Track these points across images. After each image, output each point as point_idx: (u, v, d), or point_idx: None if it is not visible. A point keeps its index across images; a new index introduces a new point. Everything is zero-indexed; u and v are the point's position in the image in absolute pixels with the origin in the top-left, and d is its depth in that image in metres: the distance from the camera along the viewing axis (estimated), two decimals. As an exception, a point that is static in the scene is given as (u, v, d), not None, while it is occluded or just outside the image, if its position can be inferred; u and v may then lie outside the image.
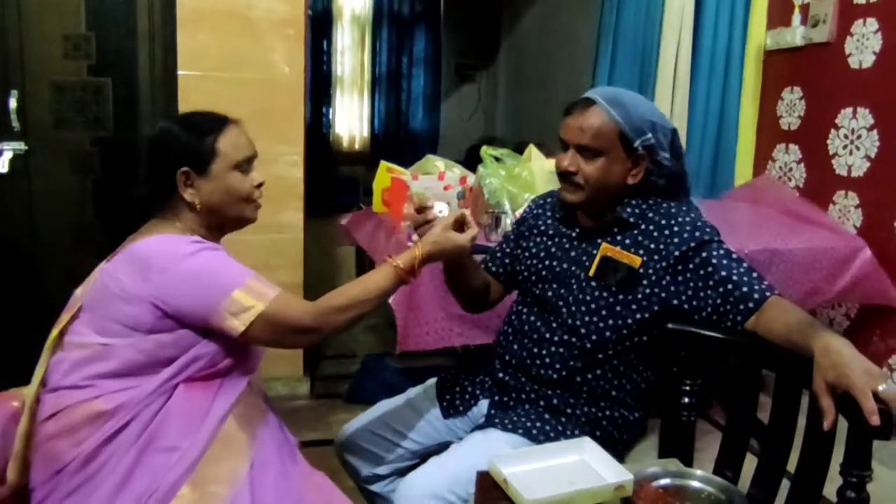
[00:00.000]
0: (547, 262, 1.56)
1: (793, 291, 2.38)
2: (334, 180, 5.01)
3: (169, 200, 1.34)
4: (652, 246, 1.46)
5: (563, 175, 1.48)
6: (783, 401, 1.32)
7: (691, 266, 1.42)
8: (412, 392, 1.68)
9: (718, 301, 1.38)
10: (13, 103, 2.38)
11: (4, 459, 1.29)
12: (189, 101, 2.55)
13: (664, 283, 1.44)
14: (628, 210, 1.49)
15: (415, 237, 1.44)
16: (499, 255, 1.69)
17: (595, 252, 1.48)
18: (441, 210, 1.48)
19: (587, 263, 1.49)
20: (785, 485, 1.30)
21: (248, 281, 1.26)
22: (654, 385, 1.54)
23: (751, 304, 1.34)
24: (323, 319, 1.29)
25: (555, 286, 1.52)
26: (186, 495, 1.20)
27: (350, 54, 6.10)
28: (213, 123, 1.36)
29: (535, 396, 1.51)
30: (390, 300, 2.05)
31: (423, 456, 1.56)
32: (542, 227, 1.62)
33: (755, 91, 3.19)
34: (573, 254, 1.53)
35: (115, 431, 1.23)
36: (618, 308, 1.45)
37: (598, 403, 1.50)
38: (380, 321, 3.39)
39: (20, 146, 2.41)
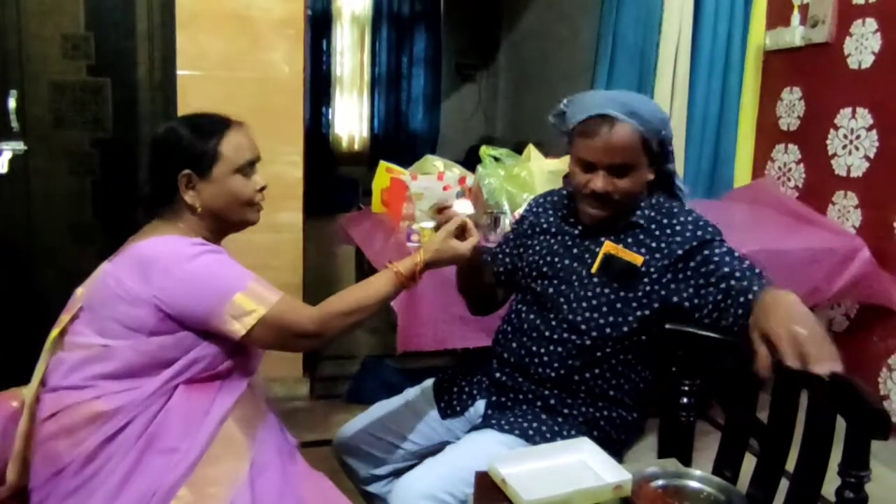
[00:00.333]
0: (549, 259, 1.56)
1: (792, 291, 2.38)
2: (334, 180, 5.01)
3: (171, 202, 1.34)
4: (654, 245, 1.46)
5: (595, 196, 1.45)
6: (782, 401, 1.32)
7: (692, 264, 1.42)
8: (410, 393, 1.68)
9: (719, 297, 1.38)
10: (12, 103, 2.38)
11: (4, 460, 1.29)
12: (188, 101, 2.56)
13: (665, 281, 1.44)
14: (638, 212, 1.50)
15: (416, 229, 1.44)
16: (500, 255, 1.69)
17: (597, 249, 1.48)
18: (463, 209, 1.47)
19: (590, 261, 1.49)
20: (784, 485, 1.30)
21: (249, 284, 1.26)
22: (653, 385, 1.54)
23: (750, 297, 1.33)
24: (325, 324, 1.29)
25: (556, 283, 1.52)
26: (185, 497, 1.20)
27: (350, 54, 6.11)
28: (217, 126, 1.35)
29: (532, 397, 1.51)
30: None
31: (421, 456, 1.56)
32: (545, 226, 1.62)
33: (754, 91, 3.19)
34: (575, 251, 1.53)
35: (115, 432, 1.23)
36: (618, 305, 1.45)
37: (597, 403, 1.50)
38: (380, 323, 3.39)
39: (19, 146, 2.41)
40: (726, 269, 1.38)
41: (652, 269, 1.44)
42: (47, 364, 1.30)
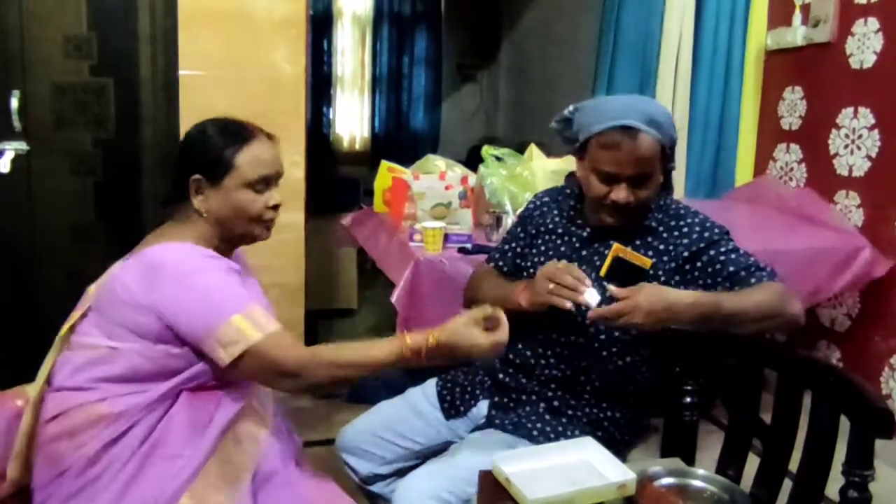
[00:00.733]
0: (555, 261, 1.55)
1: (794, 291, 2.38)
2: (335, 180, 5.00)
3: (183, 203, 1.32)
4: (661, 247, 1.46)
5: (615, 206, 1.44)
6: (785, 400, 1.32)
7: (699, 265, 1.43)
8: (412, 392, 1.68)
9: None
10: (15, 103, 2.38)
11: (6, 458, 1.29)
12: (190, 101, 2.56)
13: (673, 283, 1.44)
14: (648, 215, 1.50)
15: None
16: (509, 254, 1.68)
17: (605, 251, 1.48)
18: (590, 300, 1.31)
19: (598, 263, 1.48)
20: (787, 484, 1.30)
21: (250, 308, 1.22)
22: (657, 385, 1.54)
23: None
24: (307, 368, 1.21)
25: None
26: None
27: (351, 54, 6.09)
28: (240, 135, 1.31)
29: (536, 398, 1.51)
30: (393, 299, 2.05)
31: (424, 456, 1.56)
32: (551, 226, 1.61)
33: (756, 91, 3.19)
34: (584, 253, 1.53)
35: (118, 436, 1.22)
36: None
37: (601, 404, 1.50)
38: (382, 323, 3.38)
39: (21, 146, 2.41)
40: (732, 268, 1.39)
41: (660, 272, 1.44)
42: (54, 361, 1.30)
